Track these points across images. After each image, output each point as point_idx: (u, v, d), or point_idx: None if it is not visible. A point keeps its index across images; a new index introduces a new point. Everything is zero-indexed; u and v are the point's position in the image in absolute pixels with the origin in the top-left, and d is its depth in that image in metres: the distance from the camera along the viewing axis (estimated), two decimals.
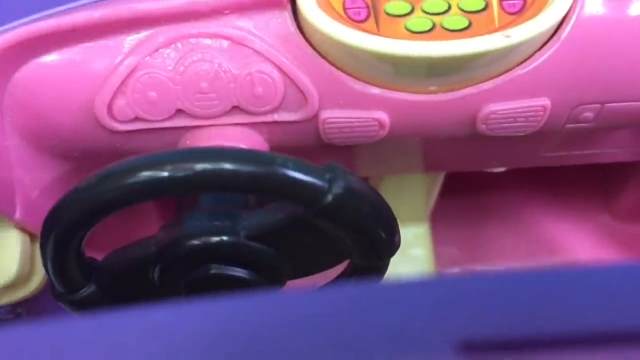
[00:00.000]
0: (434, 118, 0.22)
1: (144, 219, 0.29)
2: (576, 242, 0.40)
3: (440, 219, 0.37)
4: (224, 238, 0.19)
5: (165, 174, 0.17)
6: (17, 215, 0.22)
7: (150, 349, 0.11)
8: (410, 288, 0.10)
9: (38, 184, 0.23)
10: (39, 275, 0.24)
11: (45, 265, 0.19)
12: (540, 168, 0.34)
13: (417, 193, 0.32)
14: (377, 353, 0.09)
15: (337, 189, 0.17)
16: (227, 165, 0.17)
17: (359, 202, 0.18)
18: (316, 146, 0.23)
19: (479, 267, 0.39)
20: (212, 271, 0.19)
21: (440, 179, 0.31)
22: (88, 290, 0.20)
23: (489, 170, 0.28)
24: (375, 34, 0.20)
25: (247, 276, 0.19)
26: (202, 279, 0.19)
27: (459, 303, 0.09)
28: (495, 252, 0.39)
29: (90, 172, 0.24)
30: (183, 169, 0.17)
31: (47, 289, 0.25)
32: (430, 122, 0.22)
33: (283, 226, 0.19)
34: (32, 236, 0.24)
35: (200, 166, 0.17)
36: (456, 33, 0.20)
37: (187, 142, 0.22)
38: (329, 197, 0.17)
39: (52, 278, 0.19)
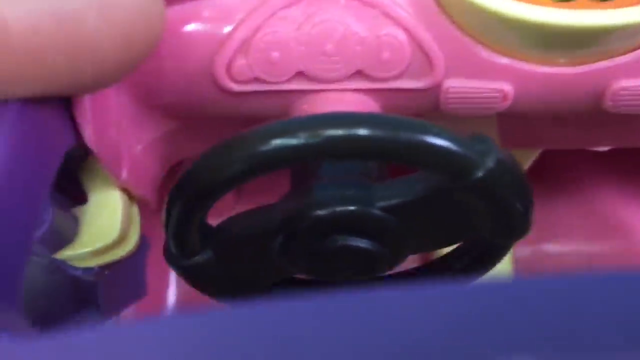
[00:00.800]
0: (559, 91, 0.21)
1: None
2: None
3: None
4: (359, 208, 0.18)
5: (300, 140, 0.16)
6: (124, 175, 0.21)
7: None
8: None
9: (141, 143, 0.22)
10: (134, 237, 0.23)
11: (166, 228, 0.18)
12: (613, 150, 0.33)
13: None
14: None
15: (490, 162, 0.17)
16: (377, 132, 0.16)
17: (508, 177, 0.17)
18: (429, 115, 0.22)
19: (548, 247, 0.38)
20: (339, 242, 0.18)
21: (533, 157, 0.30)
22: (203, 256, 0.19)
23: (593, 148, 0.27)
24: (517, 0, 0.19)
25: (373, 248, 0.19)
26: (327, 250, 0.19)
27: None
28: (563, 233, 0.39)
29: (195, 132, 0.23)
30: (320, 136, 0.16)
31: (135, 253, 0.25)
32: (554, 96, 0.21)
33: (421, 199, 0.18)
34: (130, 197, 0.23)
35: (350, 132, 0.16)
36: (601, 2, 0.19)
37: (304, 106, 0.21)
38: (481, 171, 0.17)
39: (171, 241, 0.19)
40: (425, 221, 0.19)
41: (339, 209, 0.18)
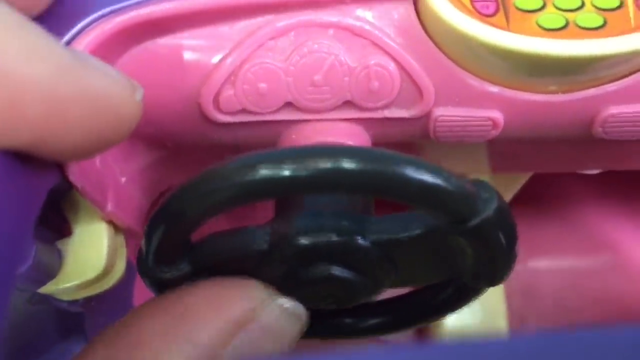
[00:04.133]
0: (549, 119, 0.21)
1: None
2: (630, 241, 0.39)
3: None
4: (352, 239, 0.17)
5: (287, 172, 0.16)
6: (109, 207, 0.21)
7: None
8: None
9: (126, 174, 0.22)
10: (121, 267, 0.23)
11: (146, 244, 0.17)
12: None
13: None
14: None
15: (489, 210, 0.16)
16: (394, 170, 0.15)
17: (503, 228, 0.17)
18: (418, 143, 0.22)
19: (538, 263, 0.38)
20: (326, 272, 0.18)
21: (523, 180, 0.30)
22: (180, 270, 0.18)
23: (582, 172, 0.27)
24: (505, 29, 0.19)
25: (355, 279, 0.18)
26: (309, 277, 0.18)
27: None
28: (552, 249, 0.39)
29: (180, 161, 0.22)
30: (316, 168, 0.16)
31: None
32: (544, 123, 0.21)
33: (413, 237, 0.18)
34: (115, 228, 0.23)
35: (360, 166, 0.15)
36: (591, 31, 0.19)
37: (292, 136, 0.20)
38: (480, 218, 0.16)
39: (147, 254, 0.18)
40: (411, 259, 0.18)
41: (328, 238, 0.18)
